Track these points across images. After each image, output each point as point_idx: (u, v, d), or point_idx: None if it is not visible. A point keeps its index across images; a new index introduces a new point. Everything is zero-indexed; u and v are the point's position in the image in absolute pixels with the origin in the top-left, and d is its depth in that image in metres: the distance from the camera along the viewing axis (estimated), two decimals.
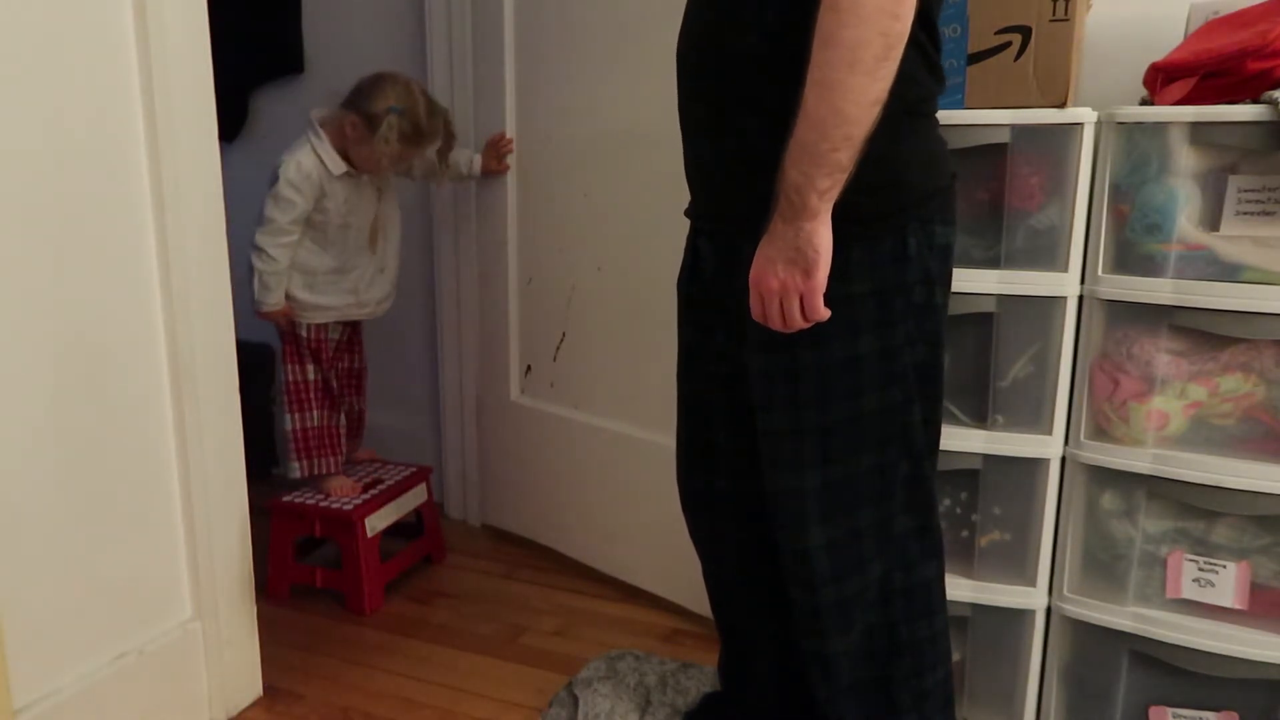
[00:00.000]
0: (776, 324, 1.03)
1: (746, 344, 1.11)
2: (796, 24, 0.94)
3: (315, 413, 1.97)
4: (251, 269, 1.82)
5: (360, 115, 1.80)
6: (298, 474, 1.98)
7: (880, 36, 0.89)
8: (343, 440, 2.02)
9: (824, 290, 1.00)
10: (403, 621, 1.87)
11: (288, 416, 1.96)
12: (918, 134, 1.07)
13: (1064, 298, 1.32)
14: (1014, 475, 1.39)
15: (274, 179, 1.81)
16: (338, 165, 1.83)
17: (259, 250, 1.81)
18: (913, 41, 0.97)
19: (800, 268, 0.98)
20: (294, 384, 1.96)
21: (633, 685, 1.60)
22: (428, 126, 1.83)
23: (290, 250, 1.85)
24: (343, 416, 2.02)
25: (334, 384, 1.99)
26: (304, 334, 1.93)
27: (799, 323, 1.02)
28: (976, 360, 1.38)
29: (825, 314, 1.01)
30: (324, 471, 1.97)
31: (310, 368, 1.95)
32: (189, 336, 1.42)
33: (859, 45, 0.90)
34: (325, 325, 1.95)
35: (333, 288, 1.92)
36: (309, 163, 1.82)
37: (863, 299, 1.05)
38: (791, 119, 0.95)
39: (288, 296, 1.88)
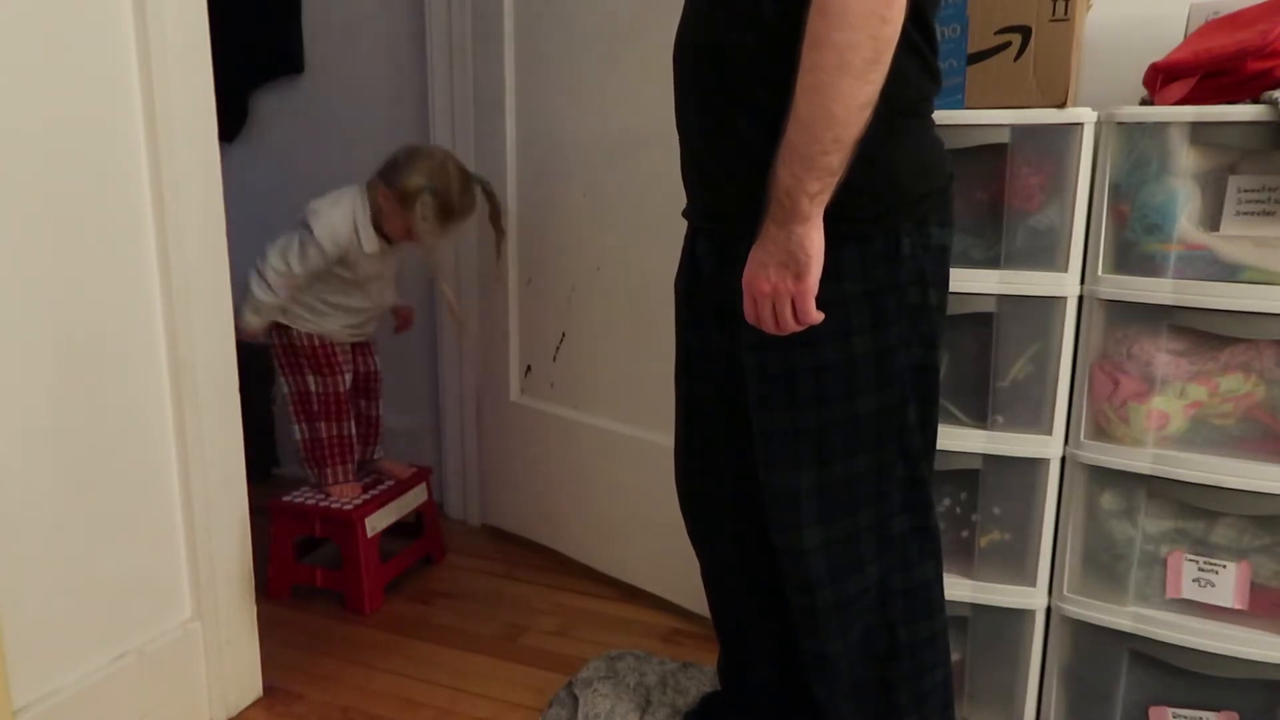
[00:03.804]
0: (769, 327, 1.03)
1: (743, 345, 1.11)
2: (792, 24, 0.94)
3: (321, 424, 1.96)
4: (247, 286, 1.83)
5: (393, 190, 1.81)
6: (312, 480, 1.99)
7: (869, 39, 0.89)
8: (353, 448, 2.01)
9: (815, 293, 1.00)
10: (403, 621, 1.87)
11: (295, 426, 1.97)
12: (912, 135, 1.06)
13: (1064, 298, 1.32)
14: (1014, 475, 1.39)
15: (305, 222, 1.82)
16: (371, 243, 1.85)
17: (262, 280, 1.82)
18: (907, 42, 0.97)
19: (792, 271, 0.98)
20: (298, 394, 1.96)
21: (633, 685, 1.60)
22: (459, 204, 1.84)
23: (292, 292, 1.87)
24: (352, 423, 2.01)
25: (343, 389, 1.97)
26: (298, 342, 1.93)
27: (791, 326, 1.02)
28: (976, 360, 1.38)
29: (817, 317, 1.01)
30: (335, 481, 1.97)
31: (310, 378, 1.94)
32: (189, 336, 1.42)
33: (848, 48, 0.90)
34: (326, 335, 1.95)
35: (324, 318, 1.93)
36: (345, 231, 1.82)
37: (856, 300, 1.05)
38: (786, 119, 0.95)
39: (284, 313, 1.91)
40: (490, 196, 1.91)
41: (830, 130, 0.92)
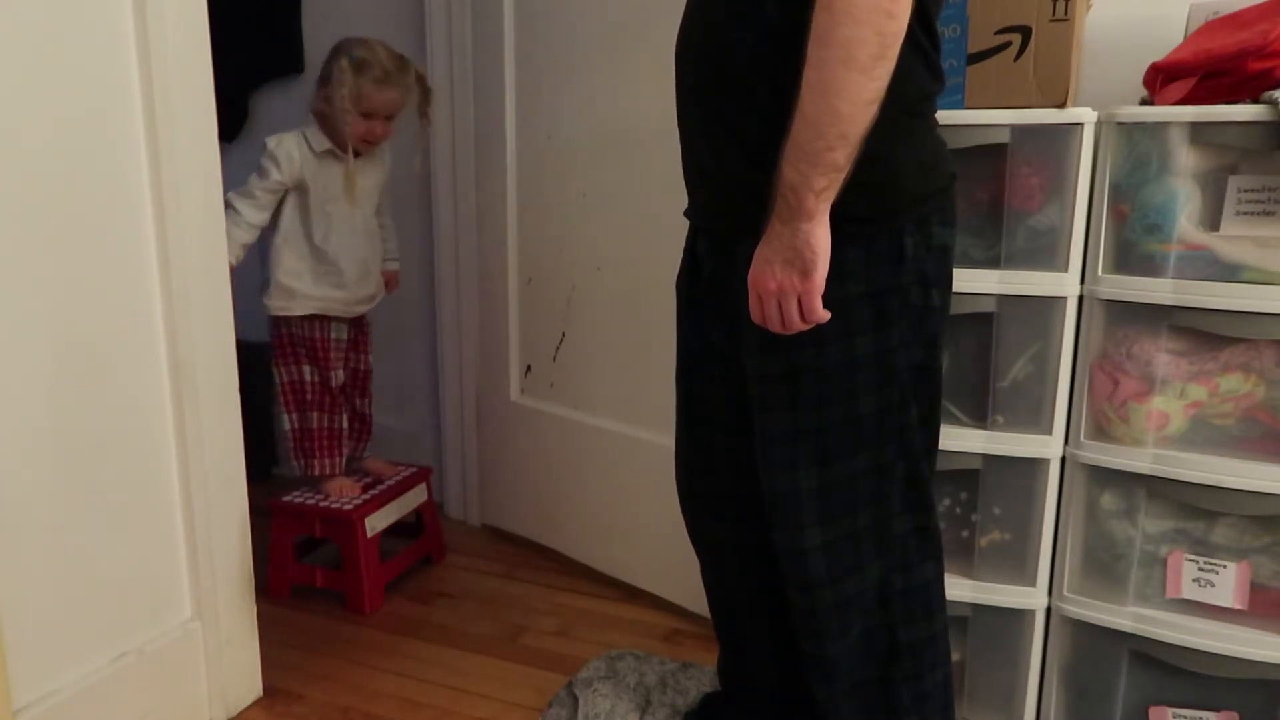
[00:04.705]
0: (775, 325, 1.03)
1: (744, 345, 1.11)
2: (795, 23, 0.94)
3: (314, 414, 1.96)
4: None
5: (323, 81, 1.83)
6: (299, 472, 1.99)
7: (875, 35, 0.89)
8: (344, 442, 2.01)
9: (822, 291, 0.99)
10: (403, 621, 1.87)
11: (285, 416, 1.96)
12: (915, 134, 1.06)
13: (1064, 298, 1.32)
14: (1014, 475, 1.39)
15: (261, 150, 1.84)
16: (320, 142, 1.86)
17: (228, 207, 1.77)
18: (912, 41, 0.97)
19: (798, 269, 0.98)
20: (289, 384, 1.95)
21: (633, 685, 1.60)
22: (391, 68, 1.82)
23: (260, 214, 1.84)
24: (345, 419, 2.01)
25: (335, 384, 1.98)
26: (299, 332, 1.93)
27: (797, 324, 1.01)
28: (976, 360, 1.38)
29: (824, 315, 1.00)
30: (323, 473, 1.97)
31: (306, 368, 1.95)
32: (189, 336, 1.42)
33: (853, 44, 0.90)
34: (326, 324, 1.94)
35: (320, 279, 1.91)
36: (291, 142, 1.84)
37: (859, 300, 1.05)
38: (789, 118, 0.95)
39: (278, 287, 1.88)
40: (421, 81, 1.90)
41: (836, 126, 0.92)
